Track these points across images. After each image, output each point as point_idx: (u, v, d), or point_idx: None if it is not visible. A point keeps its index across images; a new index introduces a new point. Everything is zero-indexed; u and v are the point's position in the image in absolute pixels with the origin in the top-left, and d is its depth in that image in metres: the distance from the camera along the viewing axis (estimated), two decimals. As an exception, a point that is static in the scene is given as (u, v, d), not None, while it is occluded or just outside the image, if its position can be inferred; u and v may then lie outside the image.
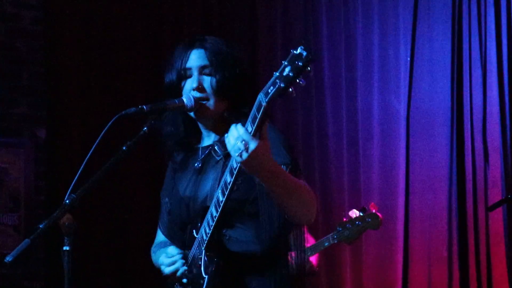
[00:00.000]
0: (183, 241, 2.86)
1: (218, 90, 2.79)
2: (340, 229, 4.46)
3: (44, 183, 5.64)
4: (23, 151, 5.62)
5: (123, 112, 2.69)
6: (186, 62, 2.84)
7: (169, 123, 2.92)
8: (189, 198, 2.84)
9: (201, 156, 2.88)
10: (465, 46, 5.52)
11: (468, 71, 5.49)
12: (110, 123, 2.65)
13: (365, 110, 5.82)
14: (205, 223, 2.70)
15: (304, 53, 2.29)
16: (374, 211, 4.46)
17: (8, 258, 2.46)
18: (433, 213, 5.59)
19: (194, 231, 2.78)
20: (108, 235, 5.71)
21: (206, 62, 2.82)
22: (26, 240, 2.48)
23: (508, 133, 5.37)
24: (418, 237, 5.63)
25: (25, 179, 5.58)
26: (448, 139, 5.55)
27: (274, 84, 2.33)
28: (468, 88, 5.49)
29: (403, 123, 5.68)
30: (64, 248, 2.55)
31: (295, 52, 2.31)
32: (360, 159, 5.82)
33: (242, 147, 2.39)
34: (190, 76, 2.84)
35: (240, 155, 2.41)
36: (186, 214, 2.84)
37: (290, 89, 2.31)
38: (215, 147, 2.73)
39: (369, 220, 4.44)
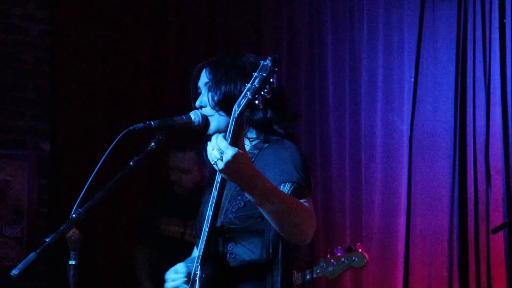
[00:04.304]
0: None
1: (216, 106, 2.79)
2: (324, 264, 4.51)
3: (47, 196, 5.64)
4: (27, 164, 5.62)
5: (130, 128, 2.69)
6: (197, 82, 2.88)
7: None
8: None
9: None
10: (469, 68, 5.54)
11: (472, 93, 5.51)
12: (118, 138, 2.65)
13: (369, 130, 5.83)
14: (202, 235, 2.71)
15: (269, 64, 2.31)
16: (360, 250, 4.50)
17: (15, 271, 2.46)
18: (434, 234, 5.59)
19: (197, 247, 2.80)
20: (113, 250, 5.70)
21: (207, 79, 2.84)
22: (33, 253, 2.48)
23: (511, 155, 5.38)
24: (419, 257, 5.63)
25: (28, 191, 5.58)
26: (451, 160, 5.56)
27: (244, 95, 2.36)
28: (472, 110, 5.51)
29: (406, 143, 5.70)
30: (70, 262, 2.56)
31: (263, 62, 2.34)
32: (362, 179, 5.82)
33: (218, 156, 2.41)
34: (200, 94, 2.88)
35: (216, 164, 2.43)
36: (201, 228, 2.85)
37: (256, 102, 2.33)
38: None
39: (355, 259, 4.50)
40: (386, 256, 5.66)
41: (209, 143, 2.45)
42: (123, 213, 5.70)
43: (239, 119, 2.40)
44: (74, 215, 2.55)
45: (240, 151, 2.42)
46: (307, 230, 2.62)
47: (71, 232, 2.54)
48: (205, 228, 2.67)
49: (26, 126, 5.69)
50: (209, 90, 2.82)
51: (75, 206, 2.57)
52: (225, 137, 2.45)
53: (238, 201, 2.72)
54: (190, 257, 3.07)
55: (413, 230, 5.65)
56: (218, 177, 2.56)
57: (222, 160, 2.41)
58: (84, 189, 2.60)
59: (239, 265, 2.74)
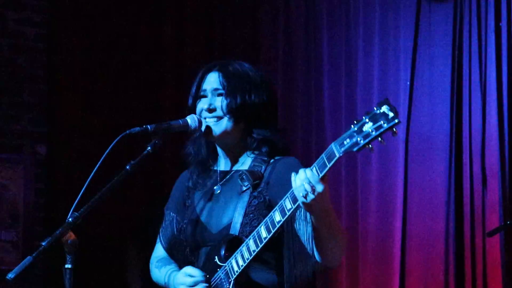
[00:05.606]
0: (187, 261, 2.88)
1: (228, 112, 2.84)
2: None
3: (43, 199, 5.64)
4: (23, 167, 5.62)
5: (127, 132, 2.72)
6: (202, 84, 2.92)
7: (193, 143, 2.97)
8: (208, 222, 2.86)
9: (220, 180, 2.91)
10: (465, 71, 5.53)
11: (467, 96, 5.50)
12: (114, 142, 2.67)
13: (365, 133, 5.81)
14: (237, 254, 2.70)
15: (391, 114, 2.25)
16: None
17: (10, 275, 2.46)
18: (430, 237, 5.58)
19: (216, 257, 2.76)
20: (109, 253, 5.70)
21: (218, 85, 2.88)
22: (29, 257, 2.48)
23: (507, 158, 5.37)
24: (415, 261, 5.62)
25: (24, 195, 5.58)
26: (447, 163, 5.55)
27: (351, 137, 2.32)
28: (468, 113, 5.49)
29: (401, 146, 5.68)
30: (66, 266, 2.56)
31: (379, 110, 2.27)
32: (358, 182, 5.81)
33: (309, 190, 2.43)
34: (204, 97, 2.91)
35: (305, 197, 2.45)
36: (201, 237, 2.86)
37: (370, 146, 2.30)
38: (243, 176, 2.75)
39: None
40: (382, 260, 5.65)
41: (296, 175, 2.48)
42: (119, 217, 5.70)
43: (340, 159, 2.38)
44: (70, 219, 2.56)
45: (327, 185, 2.46)
46: (343, 254, 2.73)
47: (67, 236, 2.55)
48: (251, 247, 2.66)
49: (23, 130, 5.69)
50: (221, 96, 2.88)
51: (71, 209, 2.58)
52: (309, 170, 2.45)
53: (256, 218, 2.74)
54: (163, 257, 3.04)
55: (409, 233, 5.63)
56: (285, 203, 2.56)
57: (313, 193, 2.43)
58: (81, 192, 2.61)
59: (259, 280, 2.77)
